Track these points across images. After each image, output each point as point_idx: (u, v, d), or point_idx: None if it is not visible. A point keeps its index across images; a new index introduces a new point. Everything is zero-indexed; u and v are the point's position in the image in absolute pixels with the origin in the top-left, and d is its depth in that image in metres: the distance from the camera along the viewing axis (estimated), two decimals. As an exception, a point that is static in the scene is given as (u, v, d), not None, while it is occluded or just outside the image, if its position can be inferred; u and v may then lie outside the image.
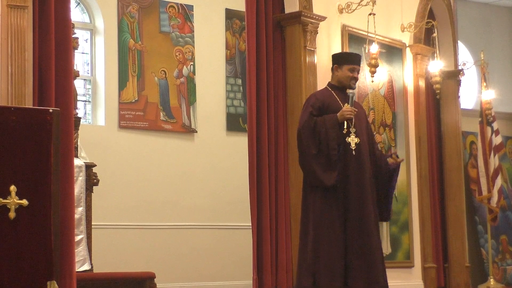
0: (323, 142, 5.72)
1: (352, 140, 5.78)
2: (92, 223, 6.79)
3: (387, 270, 8.32)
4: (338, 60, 6.08)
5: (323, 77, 7.80)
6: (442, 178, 9.52)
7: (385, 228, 8.35)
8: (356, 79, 6.00)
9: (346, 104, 5.84)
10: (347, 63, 5.98)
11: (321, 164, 5.70)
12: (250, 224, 7.11)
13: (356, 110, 5.86)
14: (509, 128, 11.61)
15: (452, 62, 9.74)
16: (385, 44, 8.55)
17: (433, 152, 9.35)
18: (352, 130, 5.78)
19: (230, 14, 9.84)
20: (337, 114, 5.80)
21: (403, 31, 8.90)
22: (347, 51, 8.11)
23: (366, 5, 7.87)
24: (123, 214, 8.86)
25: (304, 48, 7.52)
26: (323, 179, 5.68)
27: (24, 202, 4.32)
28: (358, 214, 5.72)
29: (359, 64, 6.05)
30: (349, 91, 5.91)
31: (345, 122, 5.76)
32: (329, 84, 6.12)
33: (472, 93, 11.57)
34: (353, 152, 5.76)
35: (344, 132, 5.75)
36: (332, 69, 6.13)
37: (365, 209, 5.74)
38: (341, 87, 6.01)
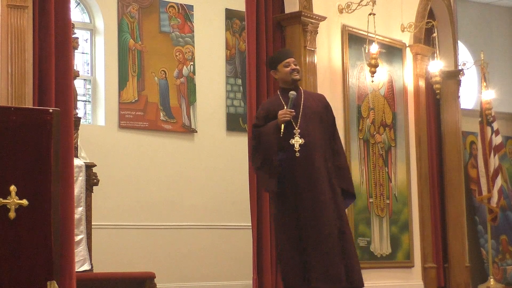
0: (266, 151, 5.60)
1: (296, 141, 5.59)
2: (92, 223, 6.79)
3: (387, 270, 8.36)
4: (271, 65, 5.88)
5: (323, 77, 7.81)
6: (442, 178, 9.52)
7: (385, 228, 8.36)
8: (295, 69, 5.75)
9: (285, 107, 5.68)
10: (279, 62, 5.78)
11: (266, 172, 5.62)
12: (250, 224, 7.11)
13: (292, 111, 5.63)
14: (509, 128, 11.61)
15: (452, 62, 9.74)
16: (385, 44, 8.55)
17: (433, 152, 9.35)
18: (296, 131, 5.60)
19: (230, 14, 9.84)
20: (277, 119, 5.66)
21: (403, 31, 8.90)
22: (348, 51, 8.12)
23: (366, 5, 7.87)
24: (123, 214, 8.86)
25: (304, 48, 7.52)
26: (269, 186, 5.65)
27: (24, 202, 4.32)
28: (311, 214, 5.55)
29: (291, 56, 5.83)
30: (290, 92, 5.70)
31: (283, 126, 5.55)
32: (279, 88, 5.92)
33: (472, 93, 11.57)
34: (297, 153, 5.57)
35: (281, 135, 5.56)
36: (273, 75, 5.96)
37: (317, 209, 5.55)
38: (288, 86, 5.79)
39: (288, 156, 5.60)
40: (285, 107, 5.64)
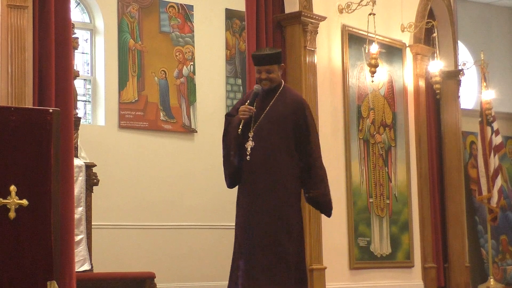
0: (228, 142, 5.50)
1: (249, 145, 5.38)
2: (92, 223, 6.79)
3: (387, 270, 8.36)
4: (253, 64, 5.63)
5: (323, 77, 7.81)
6: (442, 178, 9.52)
7: (385, 228, 8.36)
8: (262, 79, 5.46)
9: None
10: (254, 66, 5.56)
11: (225, 166, 5.54)
12: (250, 224, 7.09)
13: (253, 109, 5.39)
14: (509, 128, 11.61)
15: (452, 62, 9.74)
16: (385, 44, 8.55)
17: (433, 152, 9.35)
18: (250, 134, 5.40)
19: (230, 14, 9.84)
20: None
21: (403, 31, 8.90)
22: (348, 51, 8.12)
23: (366, 5, 7.87)
24: (123, 214, 8.86)
25: (304, 48, 7.52)
26: (226, 181, 5.58)
27: (24, 202, 4.32)
28: (247, 222, 5.45)
29: (261, 64, 5.47)
30: (256, 86, 5.52)
31: (242, 122, 5.36)
32: None
33: (472, 93, 11.57)
34: (248, 157, 5.36)
35: (239, 132, 5.38)
36: None
37: (253, 218, 5.41)
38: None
39: (242, 158, 5.43)
40: (259, 102, 5.46)
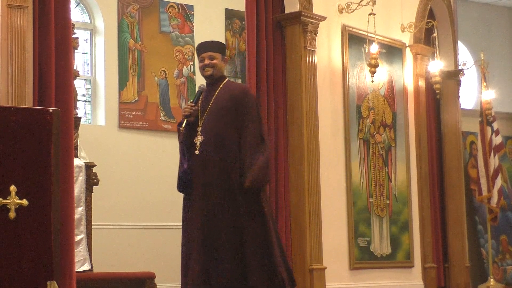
0: (182, 149, 5.52)
1: (197, 139, 5.42)
2: (92, 223, 6.79)
3: (387, 270, 8.36)
4: (197, 56, 5.70)
5: (323, 77, 7.81)
6: (442, 178, 9.52)
7: (385, 228, 8.36)
8: (205, 65, 5.51)
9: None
10: (197, 56, 5.63)
11: (179, 171, 5.52)
12: (250, 224, 7.10)
13: (195, 106, 5.46)
14: (509, 128, 11.61)
15: (452, 62, 9.75)
16: (385, 44, 8.55)
17: (433, 152, 9.35)
18: (199, 129, 5.42)
19: (230, 14, 9.84)
20: None
21: (403, 31, 8.91)
22: (348, 51, 8.12)
23: (366, 5, 7.87)
24: (123, 214, 8.86)
25: (304, 48, 7.52)
26: (177, 186, 5.53)
27: (24, 202, 4.32)
28: (197, 219, 5.37)
29: (205, 50, 5.57)
30: (200, 85, 5.60)
31: (185, 120, 5.41)
32: None
33: (472, 93, 11.57)
34: (196, 151, 5.38)
35: (182, 130, 5.45)
36: None
37: (208, 215, 5.33)
38: (207, 79, 5.63)
39: (192, 154, 5.43)
40: (205, 99, 5.52)
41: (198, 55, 5.63)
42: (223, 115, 5.47)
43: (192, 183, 5.43)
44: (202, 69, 5.58)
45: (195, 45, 9.50)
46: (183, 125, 5.45)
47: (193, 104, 5.47)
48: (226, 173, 5.37)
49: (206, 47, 5.65)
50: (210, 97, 5.54)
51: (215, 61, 5.56)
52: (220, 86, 5.57)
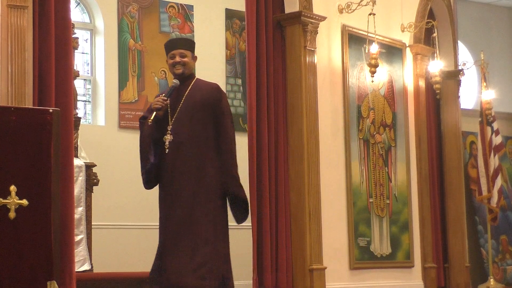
0: (146, 149, 5.49)
1: (167, 138, 5.41)
2: (92, 223, 6.80)
3: (387, 270, 8.36)
4: (166, 53, 5.67)
5: (323, 77, 7.81)
6: (442, 178, 9.52)
7: (385, 228, 8.36)
8: (176, 62, 5.53)
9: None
10: (167, 53, 5.60)
11: (142, 165, 5.55)
12: (250, 224, 7.10)
13: (166, 99, 5.43)
14: (509, 128, 11.61)
15: (452, 62, 9.74)
16: (385, 44, 8.55)
17: (433, 152, 9.35)
18: (169, 127, 5.41)
19: (230, 14, 9.84)
20: None
21: (403, 31, 8.91)
22: (348, 51, 8.12)
23: (366, 5, 7.87)
24: (123, 214, 8.85)
25: (304, 48, 7.52)
26: (142, 181, 5.55)
27: (24, 202, 4.32)
28: (165, 219, 5.49)
29: (175, 48, 5.58)
30: (173, 81, 5.55)
31: (154, 113, 5.36)
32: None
33: (472, 93, 11.57)
34: (166, 150, 5.39)
35: (149, 123, 5.38)
36: None
37: (174, 212, 5.45)
38: (178, 77, 5.60)
39: (161, 153, 5.43)
40: (176, 97, 5.49)
41: (168, 52, 5.59)
42: (194, 115, 5.46)
43: (159, 180, 5.46)
44: (173, 66, 5.55)
45: (196, 45, 9.50)
46: (151, 119, 5.37)
47: (165, 98, 5.43)
48: (197, 174, 5.39)
49: (177, 44, 5.65)
50: (180, 96, 5.51)
51: (186, 59, 5.57)
52: (191, 85, 5.56)
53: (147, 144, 5.47)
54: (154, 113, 5.39)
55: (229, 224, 9.45)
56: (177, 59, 5.54)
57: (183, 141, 5.41)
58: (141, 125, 5.57)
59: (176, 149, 5.41)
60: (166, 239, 5.48)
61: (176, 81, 5.54)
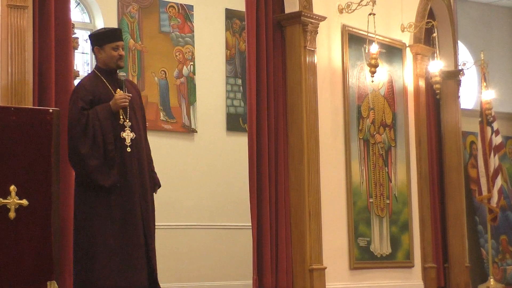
0: (98, 138, 5.14)
1: (128, 135, 5.25)
2: (92, 223, 6.77)
3: (387, 270, 8.36)
4: (98, 41, 5.40)
5: (323, 77, 7.81)
6: (442, 178, 9.52)
7: (385, 228, 8.36)
8: (121, 56, 5.38)
9: (118, 90, 5.33)
10: (108, 42, 5.35)
11: (96, 163, 5.13)
12: (250, 224, 7.11)
13: (130, 95, 5.32)
14: (509, 128, 11.61)
15: (452, 62, 9.74)
16: (385, 44, 8.55)
17: (433, 152, 9.35)
18: (127, 124, 5.26)
19: (230, 14, 9.84)
20: (110, 103, 5.26)
21: (403, 31, 8.90)
22: (348, 51, 8.12)
23: (366, 5, 7.87)
24: (123, 214, 8.84)
25: (304, 48, 7.52)
26: (98, 179, 5.13)
27: (24, 202, 4.32)
28: (141, 222, 5.43)
29: (121, 39, 5.43)
30: (120, 74, 5.40)
31: (121, 111, 5.26)
32: (97, 68, 5.47)
33: (472, 93, 11.57)
34: (128, 148, 5.24)
35: (121, 122, 5.25)
36: (93, 51, 5.50)
37: (147, 209, 5.47)
38: (109, 69, 5.41)
39: (119, 150, 5.25)
40: (111, 91, 5.33)
41: (111, 41, 5.38)
42: (137, 110, 5.46)
43: (119, 178, 5.25)
44: (119, 58, 5.39)
45: (196, 45, 9.51)
46: (122, 117, 5.26)
47: (130, 94, 5.33)
48: (148, 172, 5.48)
49: (120, 36, 5.49)
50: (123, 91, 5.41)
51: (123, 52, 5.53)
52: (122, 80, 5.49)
53: (109, 141, 5.20)
54: (121, 111, 5.30)
55: (229, 224, 9.47)
56: (122, 52, 5.42)
57: (139, 140, 5.37)
58: (86, 117, 5.19)
59: (135, 147, 5.33)
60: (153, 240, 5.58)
61: (124, 74, 5.47)
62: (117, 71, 5.44)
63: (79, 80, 5.62)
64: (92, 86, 5.35)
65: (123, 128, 5.29)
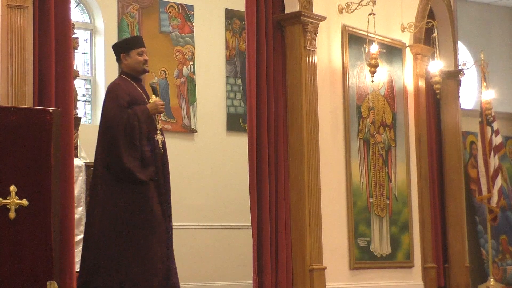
0: (135, 139, 5.41)
1: (159, 138, 5.59)
2: (92, 223, 6.77)
3: (387, 270, 8.36)
4: (124, 47, 5.67)
5: (323, 77, 7.81)
6: (442, 178, 9.52)
7: (385, 228, 8.36)
8: (147, 61, 5.66)
9: (154, 96, 5.62)
10: (134, 48, 5.62)
11: (133, 160, 5.37)
12: (250, 224, 7.11)
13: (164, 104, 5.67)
14: (509, 128, 11.61)
15: (452, 62, 9.74)
16: (385, 44, 8.55)
17: (433, 152, 9.35)
18: (159, 127, 5.62)
19: (230, 14, 9.84)
20: (148, 107, 5.55)
21: (403, 31, 8.91)
22: (348, 51, 8.12)
23: (366, 5, 7.87)
24: (123, 214, 8.84)
25: (304, 48, 7.52)
26: (138, 175, 5.37)
27: (24, 202, 4.32)
28: (167, 213, 5.57)
29: (144, 45, 5.70)
30: (153, 81, 5.73)
31: (156, 117, 5.60)
32: (123, 73, 5.71)
33: (472, 93, 11.57)
34: (162, 150, 5.58)
35: (156, 126, 5.58)
36: (119, 59, 5.72)
37: (169, 210, 5.63)
38: (135, 75, 5.67)
39: (153, 151, 5.53)
40: (143, 95, 5.62)
41: (137, 48, 5.63)
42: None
43: (148, 178, 5.46)
44: (144, 63, 5.65)
45: (196, 45, 9.51)
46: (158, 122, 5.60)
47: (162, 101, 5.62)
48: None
49: (143, 42, 5.74)
50: (147, 96, 5.69)
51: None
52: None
53: (144, 143, 5.50)
54: (156, 116, 5.62)
55: (229, 224, 9.49)
56: (146, 57, 5.68)
57: (165, 141, 5.67)
58: (129, 116, 5.43)
59: (163, 149, 5.64)
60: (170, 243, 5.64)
61: (155, 81, 5.78)
62: (141, 77, 5.73)
63: (111, 83, 5.74)
64: (128, 90, 5.57)
65: (155, 131, 5.57)
